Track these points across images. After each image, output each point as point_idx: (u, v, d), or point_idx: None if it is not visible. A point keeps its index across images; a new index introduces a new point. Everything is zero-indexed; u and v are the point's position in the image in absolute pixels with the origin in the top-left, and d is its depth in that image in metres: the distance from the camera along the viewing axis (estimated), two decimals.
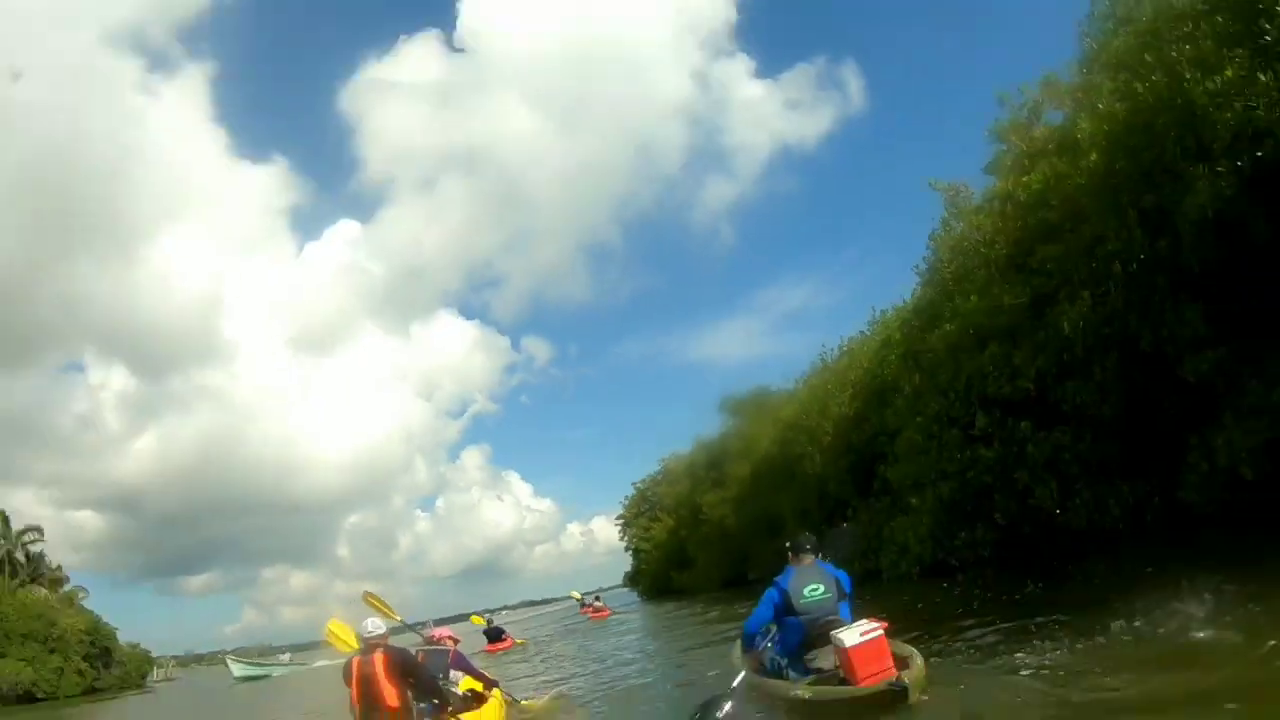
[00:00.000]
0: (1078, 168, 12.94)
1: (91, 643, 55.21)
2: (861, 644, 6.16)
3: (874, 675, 6.06)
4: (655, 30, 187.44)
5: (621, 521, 60.70)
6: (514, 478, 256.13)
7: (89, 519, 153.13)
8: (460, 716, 8.46)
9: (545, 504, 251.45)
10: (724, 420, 41.18)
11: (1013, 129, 15.85)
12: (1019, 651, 7.09)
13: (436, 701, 8.30)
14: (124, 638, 62.52)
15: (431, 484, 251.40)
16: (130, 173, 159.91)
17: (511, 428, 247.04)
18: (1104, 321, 12.58)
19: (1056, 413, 13.48)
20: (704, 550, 38.82)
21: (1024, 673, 6.42)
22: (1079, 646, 6.79)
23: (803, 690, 6.58)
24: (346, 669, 7.93)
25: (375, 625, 8.09)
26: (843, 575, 7.18)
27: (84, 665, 53.19)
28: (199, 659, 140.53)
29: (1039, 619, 8.22)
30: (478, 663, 11.33)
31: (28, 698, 46.91)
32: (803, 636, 6.84)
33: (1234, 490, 10.67)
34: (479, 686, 9.56)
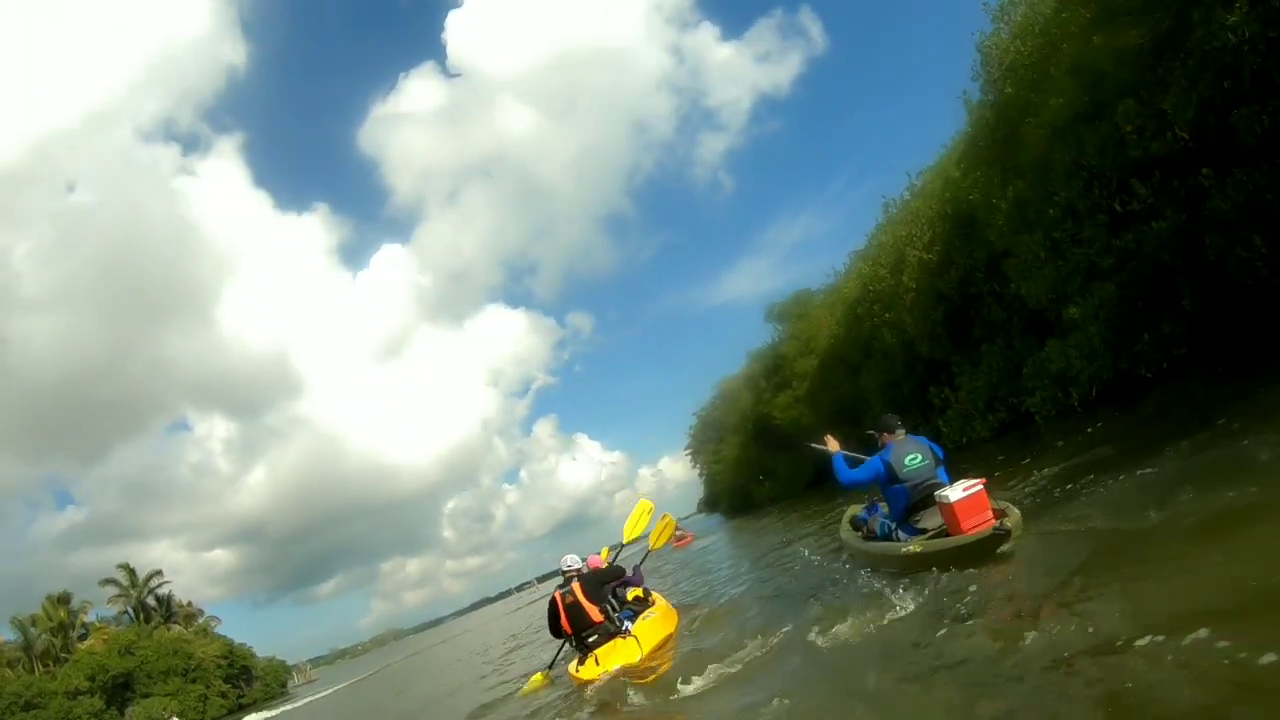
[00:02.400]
0: None
1: (230, 664, 53.44)
2: (964, 498, 6.16)
3: (976, 526, 6.07)
4: (626, 16, 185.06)
5: (689, 451, 56.97)
6: (584, 439, 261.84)
7: (221, 555, 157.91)
8: (647, 615, 8.90)
9: (616, 455, 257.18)
10: (773, 329, 37.85)
11: None
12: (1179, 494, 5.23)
13: (627, 605, 9.08)
14: (270, 649, 61.90)
15: (512, 459, 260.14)
16: (190, 246, 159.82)
17: (572, 395, 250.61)
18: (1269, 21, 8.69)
19: (1234, 153, 9.51)
20: (781, 457, 35.05)
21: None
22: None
23: (914, 546, 6.66)
24: (552, 604, 8.76)
25: (573, 560, 9.08)
26: (936, 446, 7.19)
27: (226, 687, 51.40)
28: (342, 654, 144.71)
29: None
30: None
31: None
32: (908, 501, 6.96)
33: None
34: (641, 594, 9.65)
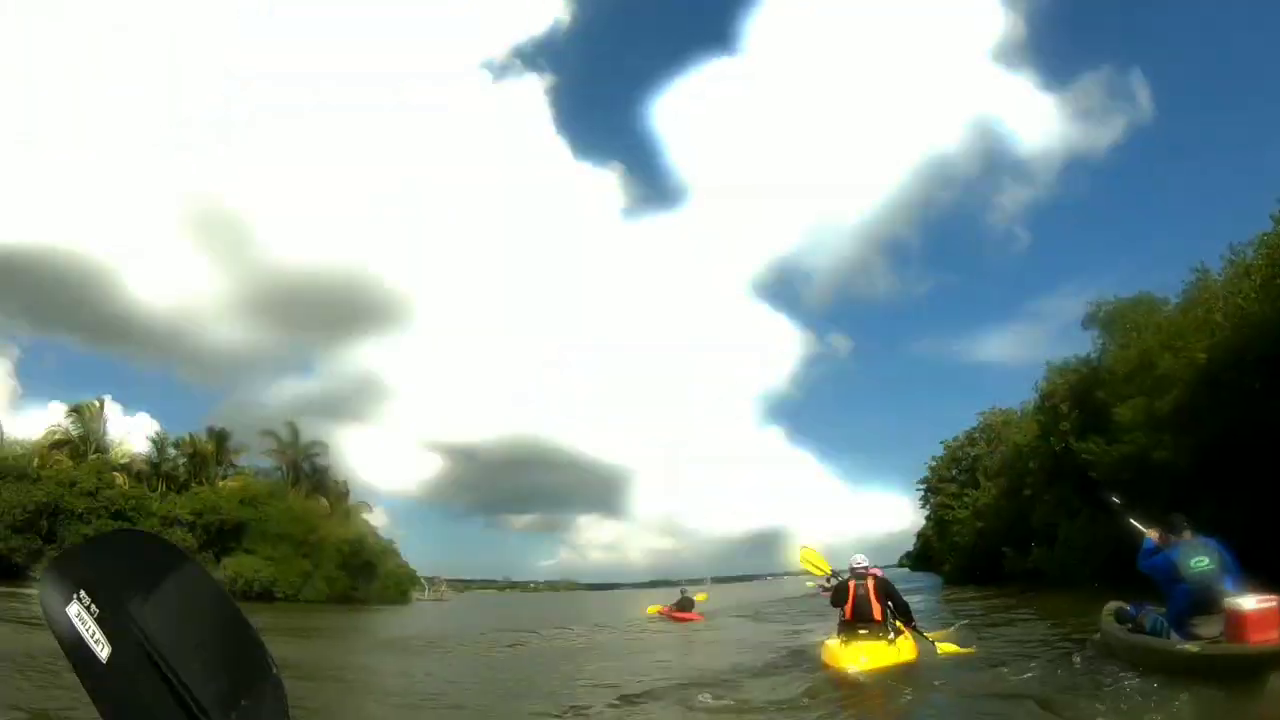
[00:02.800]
0: None
1: (353, 554, 49.13)
2: (1258, 609, 6.08)
3: (1264, 640, 5.93)
4: (941, 44, 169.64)
5: (924, 487, 44.94)
6: (808, 455, 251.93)
7: (434, 458, 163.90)
8: (904, 635, 9.62)
9: (833, 483, 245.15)
10: (1093, 339, 26.79)
11: None
12: None
13: (905, 617, 9.94)
14: (453, 561, 57.97)
15: (730, 456, 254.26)
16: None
17: (810, 412, 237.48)
18: None
19: None
20: (1072, 519, 23.59)
21: None
22: None
23: (1192, 647, 6.57)
24: (842, 588, 9.97)
25: (862, 558, 10.15)
26: (1226, 549, 7.08)
27: (339, 574, 46.81)
28: (513, 586, 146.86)
29: None
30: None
31: (266, 595, 40.77)
32: (1189, 603, 6.91)
33: None
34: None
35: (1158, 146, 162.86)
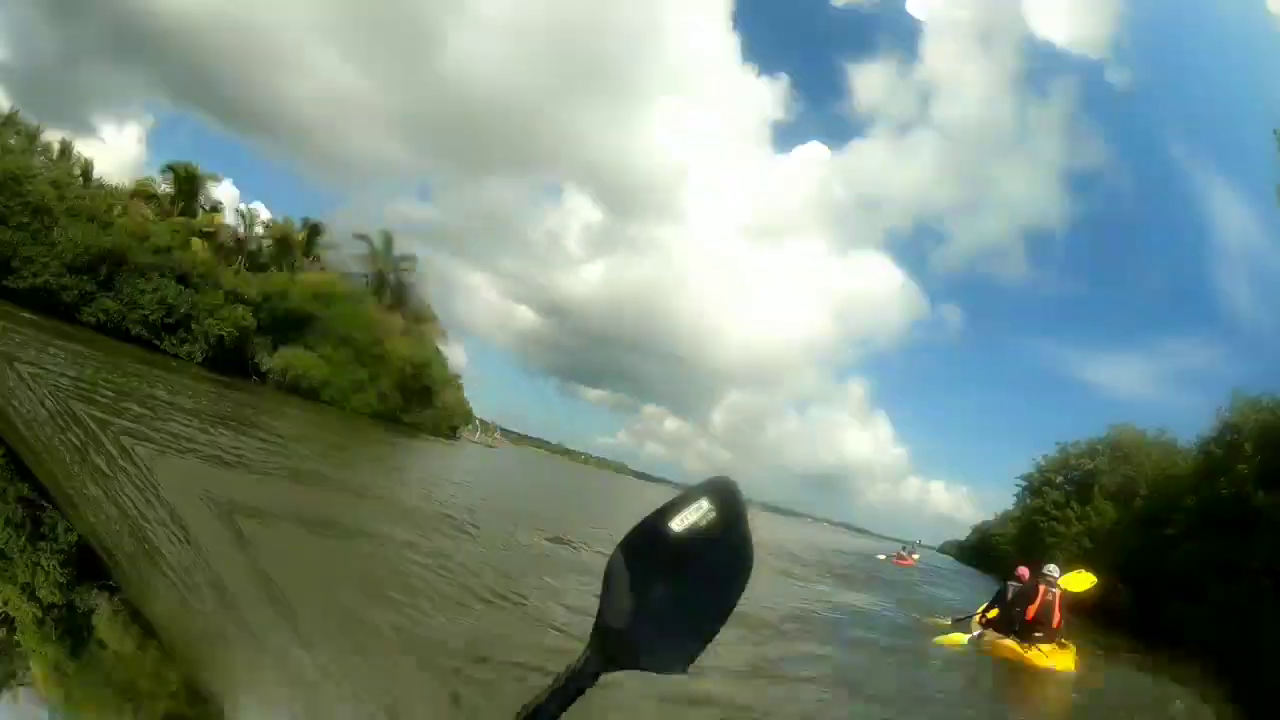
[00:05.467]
0: None
1: (414, 376, 46.82)
2: None
3: None
4: None
5: (1024, 484, 39.90)
6: (882, 417, 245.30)
7: (525, 313, 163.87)
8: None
9: (899, 451, 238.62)
10: None
11: None
12: None
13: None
14: (512, 410, 56.18)
15: (811, 393, 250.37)
16: (648, 46, 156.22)
17: (899, 376, 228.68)
18: None
19: None
20: (1227, 582, 19.01)
21: None
22: None
23: None
24: (1035, 591, 10.14)
25: (1054, 568, 10.48)
26: None
27: (392, 391, 44.56)
28: (567, 453, 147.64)
29: None
30: None
31: (312, 395, 39.02)
32: None
33: None
34: None
35: None
